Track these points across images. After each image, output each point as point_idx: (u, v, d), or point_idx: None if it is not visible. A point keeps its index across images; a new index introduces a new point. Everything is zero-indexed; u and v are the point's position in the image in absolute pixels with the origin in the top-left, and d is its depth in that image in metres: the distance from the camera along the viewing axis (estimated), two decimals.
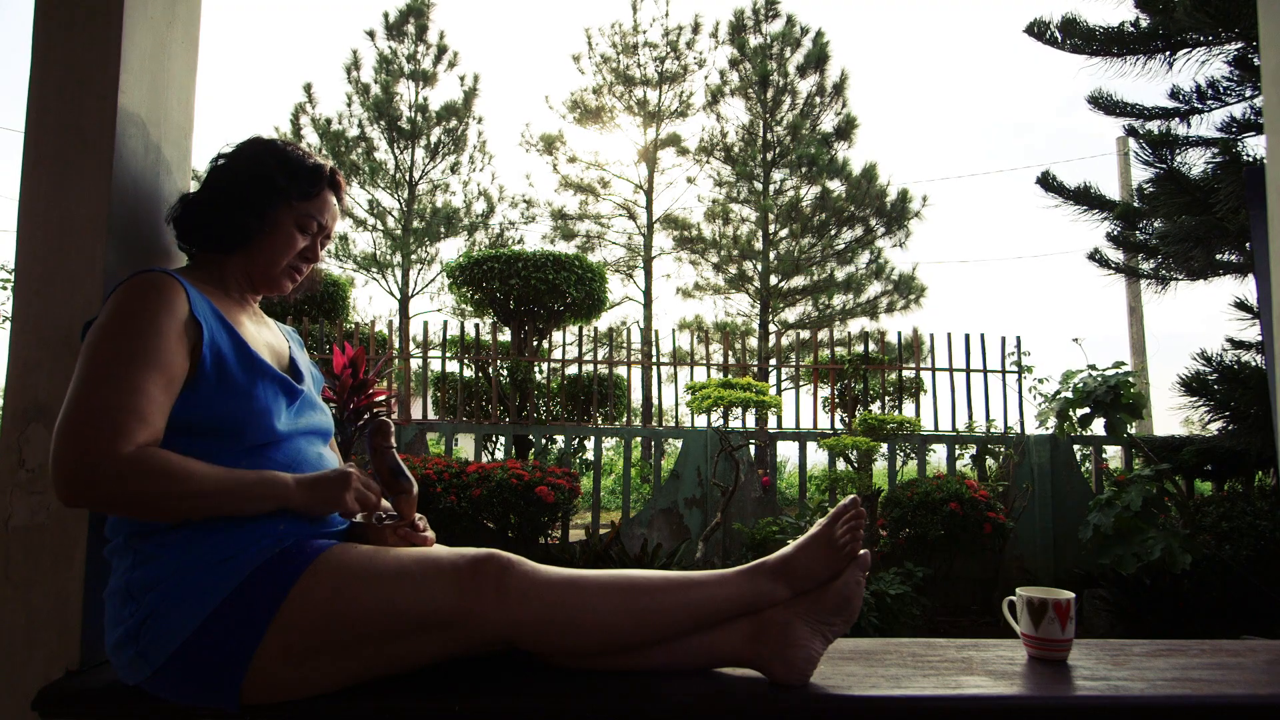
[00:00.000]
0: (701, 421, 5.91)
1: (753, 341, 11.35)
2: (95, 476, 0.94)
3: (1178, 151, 4.33)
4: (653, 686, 1.13)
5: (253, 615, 0.98)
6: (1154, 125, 4.64)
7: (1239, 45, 4.20)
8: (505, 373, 6.26)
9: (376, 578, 1.03)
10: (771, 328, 12.38)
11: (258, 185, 1.19)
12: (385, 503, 1.22)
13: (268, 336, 1.26)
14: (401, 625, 1.02)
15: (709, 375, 6.52)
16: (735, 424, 5.90)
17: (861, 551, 1.18)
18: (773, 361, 7.81)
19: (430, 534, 1.24)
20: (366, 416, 2.41)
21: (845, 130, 12.58)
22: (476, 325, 6.21)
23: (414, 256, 13.98)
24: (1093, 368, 4.18)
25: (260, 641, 0.98)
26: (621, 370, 6.84)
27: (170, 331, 1.04)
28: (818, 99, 12.66)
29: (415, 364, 6.39)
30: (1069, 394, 4.12)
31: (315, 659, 1.00)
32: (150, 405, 1.00)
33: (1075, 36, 4.60)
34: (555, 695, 1.10)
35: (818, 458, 7.58)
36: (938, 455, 6.01)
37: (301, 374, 1.27)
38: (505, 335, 6.79)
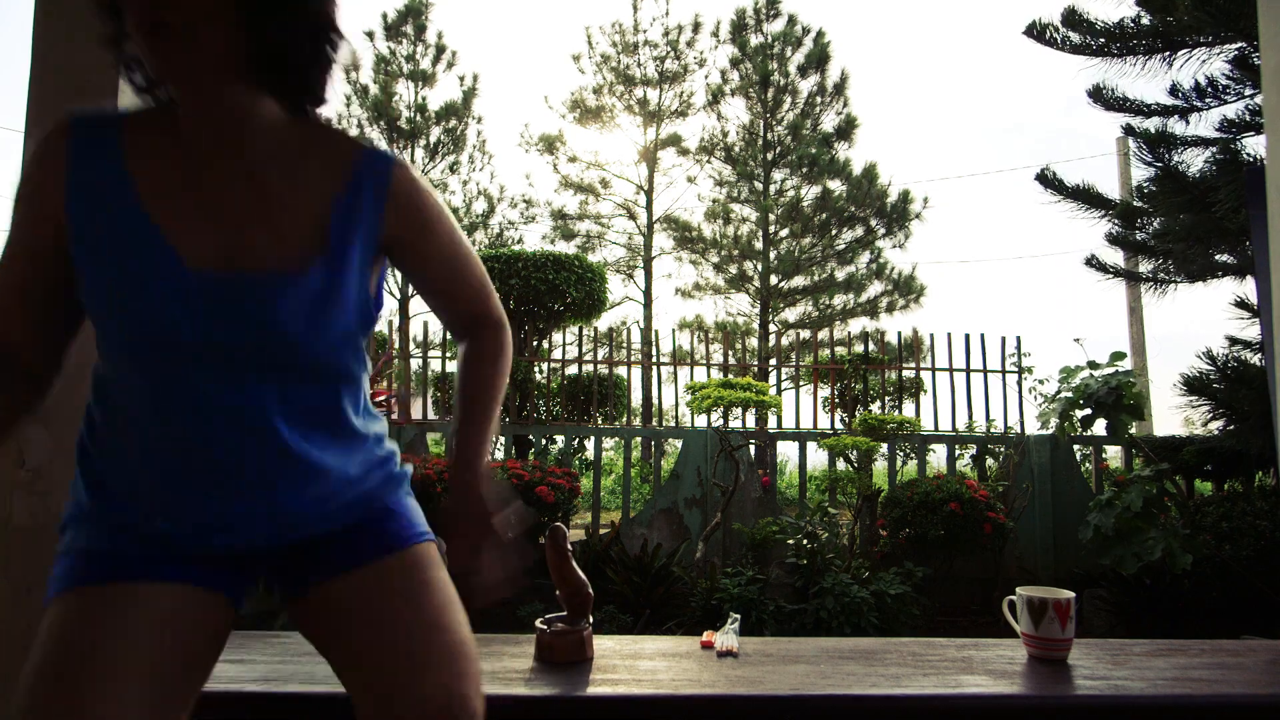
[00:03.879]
0: (701, 421, 5.91)
1: (753, 341, 11.34)
2: None
3: (1177, 150, 4.33)
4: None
5: None
6: (1153, 123, 4.63)
7: (1239, 45, 4.19)
8: None
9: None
10: (771, 328, 12.37)
11: None
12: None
13: (272, 180, 0.87)
14: None
15: (709, 375, 6.53)
16: (735, 424, 5.90)
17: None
18: (773, 361, 7.81)
19: None
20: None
21: (846, 130, 12.57)
22: None
23: None
24: (1092, 364, 4.17)
25: None
26: (621, 370, 6.84)
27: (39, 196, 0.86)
28: (818, 99, 12.66)
29: (415, 364, 6.39)
30: (1070, 394, 4.11)
31: None
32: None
33: (1075, 33, 4.60)
34: None
35: (818, 458, 7.56)
36: (938, 455, 6.01)
37: (329, 243, 0.85)
38: None
